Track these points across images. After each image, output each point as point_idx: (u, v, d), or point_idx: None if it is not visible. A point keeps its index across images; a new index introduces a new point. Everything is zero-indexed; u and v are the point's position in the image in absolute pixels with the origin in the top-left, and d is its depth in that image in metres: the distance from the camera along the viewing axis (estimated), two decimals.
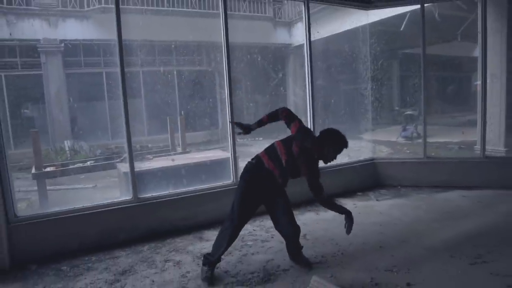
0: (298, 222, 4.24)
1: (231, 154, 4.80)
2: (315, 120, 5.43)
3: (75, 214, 3.89)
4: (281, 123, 3.33)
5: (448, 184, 5.70)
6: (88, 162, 6.63)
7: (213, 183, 4.76)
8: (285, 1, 14.25)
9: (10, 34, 9.85)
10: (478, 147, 5.93)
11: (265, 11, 14.86)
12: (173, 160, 5.84)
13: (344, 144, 3.14)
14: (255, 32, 13.70)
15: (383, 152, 8.92)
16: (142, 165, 5.27)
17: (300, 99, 5.59)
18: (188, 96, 10.78)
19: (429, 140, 9.28)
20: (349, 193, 5.61)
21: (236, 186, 4.49)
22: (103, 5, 11.16)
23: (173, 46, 12.12)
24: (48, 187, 5.73)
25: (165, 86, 11.29)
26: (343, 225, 3.22)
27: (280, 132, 4.34)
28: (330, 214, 4.76)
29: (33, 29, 10.68)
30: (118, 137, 5.31)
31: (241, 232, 3.96)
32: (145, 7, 11.42)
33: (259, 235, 4.14)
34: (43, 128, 10.60)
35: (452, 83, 9.56)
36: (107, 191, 6.35)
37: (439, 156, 6.17)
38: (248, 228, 4.29)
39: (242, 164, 4.51)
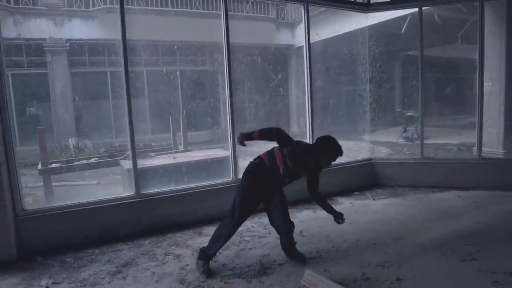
0: (296, 220, 4.41)
1: (231, 153, 4.94)
2: (313, 120, 5.55)
3: (79, 208, 4.04)
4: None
5: (445, 184, 5.80)
6: (92, 159, 6.79)
7: (213, 180, 4.90)
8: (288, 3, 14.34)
9: (20, 34, 10.04)
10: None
11: (268, 12, 14.97)
12: (174, 158, 5.99)
13: (339, 152, 3.25)
14: (258, 33, 13.82)
15: (383, 153, 9.00)
16: (144, 163, 5.41)
17: (301, 99, 5.71)
18: (190, 96, 10.93)
19: (429, 141, 9.39)
20: (346, 192, 5.72)
21: (235, 184, 4.66)
22: (108, 5, 11.31)
23: (176, 46, 12.27)
24: (53, 183, 5.88)
25: (168, 86, 11.43)
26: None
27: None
28: (326, 212, 4.90)
29: (39, 28, 10.86)
30: (121, 135, 5.44)
31: (240, 228, 4.10)
32: (149, 8, 11.57)
33: (257, 231, 4.26)
34: (48, 126, 10.77)
35: (452, 85, 9.62)
36: (111, 187, 6.49)
37: (436, 157, 6.28)
38: (246, 224, 4.41)
39: (242, 163, 4.66)
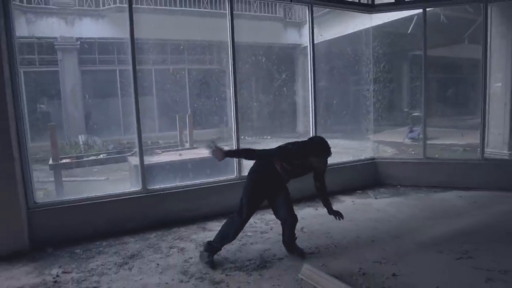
0: (298, 217, 4.51)
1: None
2: (317, 120, 5.63)
3: (88, 202, 4.20)
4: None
5: (447, 184, 5.85)
6: (101, 155, 6.98)
7: (218, 177, 5.02)
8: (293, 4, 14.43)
9: (34, 35, 10.29)
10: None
11: (276, 11, 15.04)
12: (180, 155, 6.13)
13: (328, 153, 3.31)
14: (265, 32, 13.91)
15: (388, 153, 9.05)
16: (151, 159, 5.55)
17: (307, 99, 5.80)
18: (198, 94, 11.07)
19: (435, 142, 9.39)
20: (349, 191, 5.81)
21: (239, 181, 4.79)
22: (118, 5, 11.50)
23: (183, 46, 12.42)
24: (63, 178, 6.07)
25: (176, 84, 11.58)
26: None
27: (285, 131, 4.55)
28: None
29: (51, 27, 11.09)
30: (129, 132, 5.58)
31: None
32: (158, 7, 11.73)
33: (259, 227, 4.38)
34: (59, 123, 10.99)
35: (459, 85, 9.62)
36: (119, 183, 6.66)
37: (439, 157, 6.31)
38: (249, 220, 4.51)
39: (245, 161, 4.77)
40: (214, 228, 4.31)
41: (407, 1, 5.85)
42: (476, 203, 5.08)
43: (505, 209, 4.79)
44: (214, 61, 13.27)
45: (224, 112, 5.54)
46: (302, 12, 15.06)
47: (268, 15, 14.69)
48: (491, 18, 6.32)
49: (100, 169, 7.43)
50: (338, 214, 3.50)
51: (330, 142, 3.39)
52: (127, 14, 4.44)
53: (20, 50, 4.05)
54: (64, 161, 6.07)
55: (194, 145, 7.17)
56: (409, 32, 8.64)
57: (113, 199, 4.32)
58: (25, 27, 10.36)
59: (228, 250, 3.70)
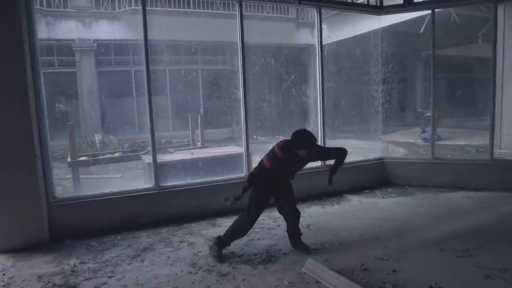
0: (305, 214, 4.71)
1: (245, 150, 5.22)
2: (325, 120, 5.74)
3: (104, 198, 4.43)
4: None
5: (455, 185, 5.88)
6: (116, 154, 7.24)
7: (227, 175, 5.19)
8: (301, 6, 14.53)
9: (53, 37, 10.67)
10: (496, 150, 6.03)
11: (288, 12, 15.14)
12: (192, 153, 6.33)
13: (312, 142, 3.35)
14: (278, 33, 14.02)
15: (399, 153, 9.07)
16: (164, 157, 5.77)
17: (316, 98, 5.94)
18: (211, 94, 11.28)
19: (448, 142, 9.34)
20: (356, 190, 5.89)
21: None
22: (133, 7, 11.81)
23: (196, 47, 12.64)
24: (80, 176, 6.34)
25: (189, 84, 11.82)
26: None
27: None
28: (334, 208, 5.13)
29: (69, 29, 11.47)
30: (144, 131, 5.80)
31: None
32: (171, 9, 11.97)
33: (267, 224, 4.53)
34: (76, 122, 11.36)
35: (471, 85, 9.55)
36: (133, 181, 6.89)
37: (447, 158, 6.34)
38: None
39: (255, 159, 4.93)
40: (223, 224, 4.48)
41: (415, 2, 5.89)
42: (483, 204, 5.11)
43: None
44: (227, 61, 13.46)
45: (235, 113, 5.69)
46: (315, 12, 15.12)
47: (281, 15, 14.79)
48: (504, 17, 6.32)
49: (116, 167, 7.71)
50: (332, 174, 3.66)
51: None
52: (141, 16, 4.63)
53: (40, 52, 4.28)
54: (81, 158, 6.35)
55: (206, 144, 7.37)
56: (421, 31, 8.65)
57: (127, 195, 4.54)
58: (45, 30, 10.74)
59: (236, 245, 3.85)
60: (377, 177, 6.22)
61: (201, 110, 10.13)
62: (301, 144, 3.32)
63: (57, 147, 8.82)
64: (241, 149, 5.39)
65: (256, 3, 7.83)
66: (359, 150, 7.05)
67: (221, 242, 3.58)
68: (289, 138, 3.42)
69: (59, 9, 11.18)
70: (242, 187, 3.48)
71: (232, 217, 4.17)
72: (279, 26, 14.57)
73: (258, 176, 3.50)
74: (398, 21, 6.38)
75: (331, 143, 7.43)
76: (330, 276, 3.04)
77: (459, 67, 9.99)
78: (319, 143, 3.72)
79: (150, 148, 4.78)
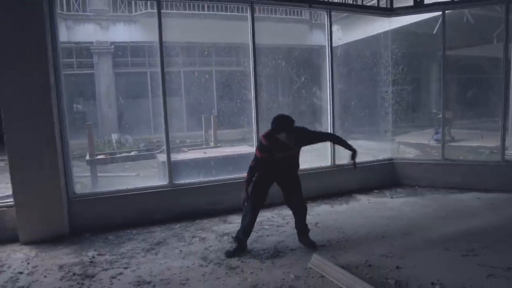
0: (313, 213, 4.84)
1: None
2: (334, 120, 5.83)
3: (120, 194, 4.65)
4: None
5: (465, 186, 5.88)
6: (132, 152, 7.50)
7: (239, 174, 5.33)
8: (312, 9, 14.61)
9: (72, 40, 11.05)
10: (508, 152, 6.01)
11: (302, 14, 15.22)
12: (204, 153, 6.51)
13: (290, 123, 3.48)
14: (291, 34, 14.13)
15: (411, 154, 9.06)
16: (177, 156, 5.97)
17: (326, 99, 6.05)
18: (223, 96, 11.47)
19: (462, 144, 9.27)
20: (366, 190, 5.96)
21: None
22: (148, 10, 12.11)
23: (210, 49, 12.86)
24: (98, 174, 6.60)
25: (203, 85, 12.05)
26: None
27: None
28: (343, 207, 5.23)
29: (87, 32, 11.86)
30: (159, 131, 6.01)
31: (260, 219, 4.57)
32: (186, 11, 12.22)
33: (276, 221, 4.66)
34: (93, 122, 11.73)
35: (485, 86, 9.47)
36: (148, 179, 7.13)
37: (457, 159, 6.34)
38: (267, 215, 4.85)
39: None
40: (234, 221, 4.64)
41: (426, 4, 5.93)
42: (492, 205, 5.12)
43: None
44: (241, 63, 13.65)
45: (246, 113, 5.84)
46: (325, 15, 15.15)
47: (295, 17, 14.89)
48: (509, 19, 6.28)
49: (131, 165, 7.97)
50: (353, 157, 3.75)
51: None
52: (156, 19, 4.81)
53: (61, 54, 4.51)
54: (99, 157, 6.62)
55: (218, 144, 7.56)
56: (434, 32, 8.63)
57: (142, 192, 4.75)
58: (64, 33, 11.15)
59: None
60: (387, 177, 6.28)
61: (214, 111, 10.33)
62: (277, 128, 3.47)
63: (75, 146, 9.15)
64: (252, 149, 5.53)
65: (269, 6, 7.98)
66: (370, 151, 7.12)
67: (237, 239, 3.75)
68: None
69: (78, 13, 11.59)
70: (245, 181, 3.67)
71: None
72: (292, 27, 14.66)
73: (257, 165, 3.64)
74: (408, 23, 6.42)
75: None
76: (334, 271, 3.16)
77: (473, 67, 9.90)
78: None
79: (164, 147, 4.97)
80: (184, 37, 11.40)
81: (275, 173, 3.75)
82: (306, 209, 3.83)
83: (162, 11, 4.84)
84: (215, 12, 12.94)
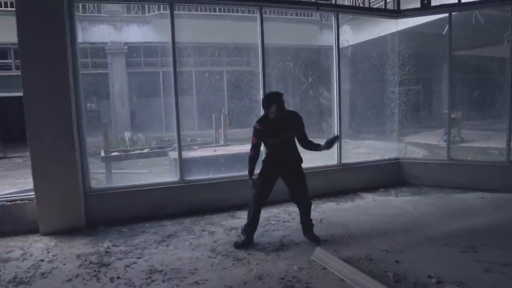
0: (319, 210, 5.00)
1: (264, 148, 5.52)
2: (341, 120, 5.97)
3: (134, 189, 4.88)
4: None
5: (470, 186, 5.95)
6: (145, 150, 7.77)
7: (247, 171, 5.50)
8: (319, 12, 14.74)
9: (87, 41, 11.39)
10: None
11: (312, 14, 15.33)
12: (214, 150, 6.73)
13: (278, 97, 3.68)
14: (301, 35, 14.26)
15: (419, 154, 9.12)
16: (188, 154, 6.19)
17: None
18: (233, 96, 11.67)
19: (472, 145, 9.28)
20: (371, 188, 6.08)
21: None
22: (161, 11, 12.39)
23: (221, 49, 13.07)
24: (112, 171, 6.87)
25: (214, 85, 12.27)
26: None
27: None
28: (348, 204, 5.37)
29: (102, 33, 12.20)
30: (170, 130, 6.23)
31: (267, 214, 4.77)
32: (198, 12, 12.46)
33: (282, 217, 4.83)
34: (107, 120, 12.05)
35: (495, 87, 9.47)
36: (160, 176, 7.37)
37: (463, 159, 6.41)
38: (274, 211, 5.03)
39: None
40: (242, 216, 4.82)
41: (432, 6, 6.02)
42: (496, 204, 5.19)
43: None
44: (251, 63, 13.83)
45: (255, 113, 6.01)
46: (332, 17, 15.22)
47: (305, 18, 15.02)
48: None
49: (144, 163, 8.23)
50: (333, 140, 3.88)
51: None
52: (169, 20, 5.00)
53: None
54: (114, 153, 6.88)
55: (228, 143, 7.76)
56: (444, 33, 8.67)
57: (155, 187, 4.97)
58: (80, 34, 11.48)
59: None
60: (393, 176, 6.38)
61: (224, 110, 10.54)
62: (267, 101, 3.70)
63: (90, 144, 9.43)
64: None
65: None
66: (377, 150, 7.24)
67: (243, 230, 3.95)
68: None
69: (93, 14, 11.93)
70: (248, 171, 3.88)
71: None
72: (303, 27, 14.78)
73: (255, 152, 3.86)
74: (415, 24, 6.50)
75: (352, 144, 7.64)
76: (336, 263, 3.32)
77: (483, 68, 9.88)
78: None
79: (176, 145, 5.19)
80: (196, 38, 11.62)
81: (278, 166, 3.89)
82: (310, 204, 3.98)
83: (174, 12, 5.00)
84: (226, 13, 13.14)
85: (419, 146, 9.93)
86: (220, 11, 12.97)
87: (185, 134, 6.44)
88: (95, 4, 11.19)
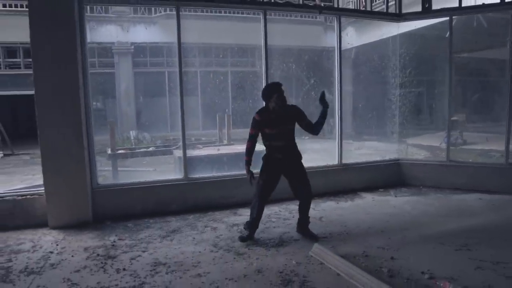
0: (319, 208, 5.12)
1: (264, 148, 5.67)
2: (342, 121, 6.09)
3: (139, 186, 5.04)
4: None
5: (469, 187, 6.04)
6: (151, 148, 7.95)
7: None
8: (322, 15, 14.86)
9: (95, 41, 11.58)
10: None
11: (317, 16, 15.43)
12: (218, 149, 6.88)
13: (276, 86, 3.80)
14: (306, 36, 14.37)
15: (421, 156, 9.21)
16: (193, 152, 6.34)
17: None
18: (236, 96, 11.82)
19: (474, 147, 9.35)
20: (371, 188, 6.19)
21: None
22: (167, 12, 12.56)
23: (226, 50, 13.22)
24: (118, 168, 7.04)
25: (219, 85, 12.43)
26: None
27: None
28: (348, 203, 5.50)
29: (109, 33, 12.40)
30: (175, 129, 6.38)
31: (268, 212, 4.89)
32: (204, 13, 12.62)
33: (283, 215, 4.97)
34: (113, 119, 12.27)
35: (497, 90, 9.53)
36: (164, 174, 7.53)
37: (462, 160, 6.51)
38: (275, 209, 5.16)
39: None
40: (244, 214, 4.97)
41: (433, 9, 6.12)
42: (494, 205, 5.28)
43: None
44: (256, 64, 13.97)
45: None
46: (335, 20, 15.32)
47: (310, 19, 15.12)
48: None
49: (149, 161, 8.41)
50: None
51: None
52: (175, 21, 5.14)
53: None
54: (120, 151, 7.06)
55: (231, 142, 7.91)
56: (447, 36, 8.75)
57: (160, 184, 5.13)
58: (88, 34, 11.69)
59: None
60: (392, 177, 6.48)
61: (228, 111, 10.69)
62: (268, 91, 3.81)
63: (96, 142, 9.62)
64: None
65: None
66: (377, 151, 7.35)
67: (247, 225, 4.10)
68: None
69: (101, 14, 12.13)
70: (245, 162, 4.04)
71: None
72: (307, 29, 14.87)
73: (252, 144, 4.00)
74: (416, 27, 6.60)
75: (355, 145, 7.73)
76: (333, 259, 3.45)
77: (485, 71, 9.94)
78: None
79: (181, 143, 5.34)
80: (201, 38, 11.78)
81: (278, 163, 3.98)
82: (310, 202, 4.09)
83: (180, 13, 5.12)
84: (231, 14, 13.27)
85: (421, 148, 10.01)
86: (225, 12, 13.08)
87: (190, 134, 6.60)
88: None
